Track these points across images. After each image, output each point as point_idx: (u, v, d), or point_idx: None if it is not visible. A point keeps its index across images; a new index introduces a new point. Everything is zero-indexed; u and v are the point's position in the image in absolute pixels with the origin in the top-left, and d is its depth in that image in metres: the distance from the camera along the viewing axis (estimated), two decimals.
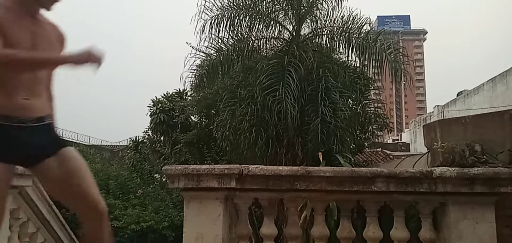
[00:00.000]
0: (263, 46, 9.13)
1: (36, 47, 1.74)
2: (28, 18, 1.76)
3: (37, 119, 1.77)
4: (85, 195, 1.84)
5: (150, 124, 13.58)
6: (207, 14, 8.83)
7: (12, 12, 1.71)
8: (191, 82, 9.73)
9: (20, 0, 1.76)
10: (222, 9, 8.83)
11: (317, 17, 9.05)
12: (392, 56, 8.41)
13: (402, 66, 8.68)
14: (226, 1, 8.88)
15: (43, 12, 1.86)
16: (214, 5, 8.88)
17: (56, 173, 1.79)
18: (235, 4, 8.89)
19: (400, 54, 8.95)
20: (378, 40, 8.48)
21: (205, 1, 8.78)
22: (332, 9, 8.98)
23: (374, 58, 8.43)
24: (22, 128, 1.71)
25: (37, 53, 1.71)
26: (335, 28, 8.94)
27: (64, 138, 1.94)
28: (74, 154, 1.87)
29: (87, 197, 1.84)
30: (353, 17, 8.84)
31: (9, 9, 1.72)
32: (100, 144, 21.83)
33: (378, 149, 15.05)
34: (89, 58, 1.68)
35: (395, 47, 9.06)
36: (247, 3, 8.88)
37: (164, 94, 13.61)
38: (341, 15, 8.92)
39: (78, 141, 19.54)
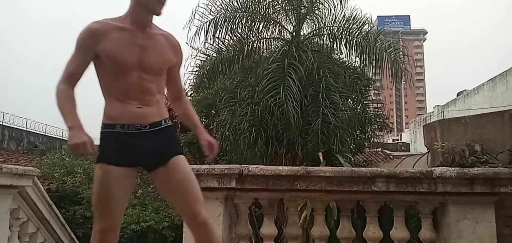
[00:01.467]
0: (263, 46, 9.12)
1: (142, 60, 1.88)
2: (140, 33, 1.91)
3: (151, 125, 1.89)
4: (186, 206, 1.95)
5: None
6: (206, 15, 8.84)
7: (122, 30, 1.88)
8: (191, 83, 9.72)
9: (132, 20, 1.91)
10: (222, 10, 8.82)
11: (317, 17, 9.04)
12: (393, 56, 8.40)
13: (403, 65, 8.67)
14: (226, 2, 8.88)
15: (155, 22, 2.00)
16: (213, 6, 8.88)
17: (166, 181, 1.93)
18: (234, 4, 8.88)
19: (401, 53, 8.94)
20: (379, 40, 8.47)
21: (205, 1, 8.79)
22: (332, 8, 8.97)
23: (374, 57, 8.42)
24: (137, 135, 1.86)
25: (65, 105, 1.85)
26: (336, 28, 8.93)
27: (177, 146, 2.06)
28: (183, 165, 1.96)
29: (187, 208, 1.95)
30: (353, 17, 8.83)
31: (119, 28, 1.88)
32: None
33: (378, 149, 15.06)
34: (77, 148, 1.75)
35: (395, 46, 9.05)
36: (247, 3, 8.87)
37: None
38: (342, 14, 8.91)
39: None
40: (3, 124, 16.46)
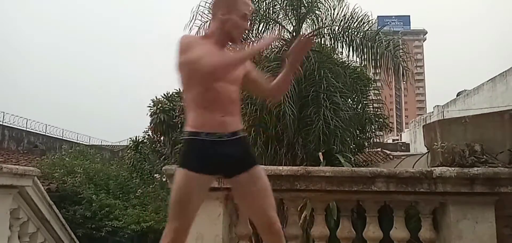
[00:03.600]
0: None
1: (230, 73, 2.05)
2: (221, 50, 2.10)
3: (232, 134, 2.03)
4: (262, 214, 2.06)
5: (150, 124, 13.56)
6: (206, 14, 8.83)
7: (209, 43, 2.06)
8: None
9: (215, 40, 2.09)
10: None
11: (317, 17, 9.04)
12: (393, 53, 8.40)
13: (404, 63, 8.67)
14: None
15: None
16: (209, 11, 8.87)
17: (246, 188, 2.06)
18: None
19: (401, 51, 8.93)
20: (377, 39, 8.47)
21: (205, 1, 8.78)
22: (332, 8, 8.97)
23: (374, 57, 8.43)
24: (220, 142, 1.99)
25: (234, 54, 2.04)
26: (336, 27, 8.93)
27: (254, 155, 2.21)
28: (263, 174, 2.09)
29: (265, 216, 2.05)
30: (353, 16, 8.83)
31: (208, 42, 2.08)
32: (100, 144, 21.78)
33: (378, 149, 15.05)
34: (271, 40, 1.96)
35: (395, 44, 9.04)
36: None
37: (164, 94, 13.61)
38: (342, 13, 8.91)
39: (78, 141, 19.55)
40: (3, 124, 16.47)
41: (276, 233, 2.06)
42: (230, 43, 2.15)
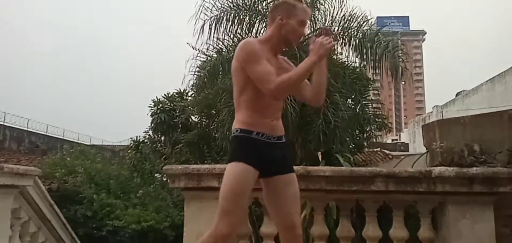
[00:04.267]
0: None
1: None
2: (274, 58, 2.21)
3: (278, 138, 2.18)
4: (288, 218, 2.15)
5: (151, 124, 13.54)
6: (206, 14, 8.85)
7: (267, 52, 2.16)
8: (192, 83, 9.73)
9: (271, 46, 2.20)
10: (221, 10, 8.82)
11: (316, 17, 9.05)
12: (392, 53, 8.42)
13: (403, 64, 8.68)
14: (225, 2, 8.88)
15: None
16: (213, 6, 8.89)
17: (279, 190, 2.15)
18: (234, 4, 8.88)
19: (400, 52, 8.95)
20: (376, 40, 8.48)
21: (204, 1, 8.80)
22: (331, 8, 8.98)
23: (373, 57, 8.44)
24: (269, 144, 2.13)
25: (297, 69, 2.10)
26: (335, 27, 8.94)
27: (292, 162, 2.32)
28: (296, 181, 2.21)
29: (291, 220, 2.15)
30: (352, 16, 8.84)
31: (266, 50, 2.16)
32: (101, 144, 21.76)
33: (377, 149, 15.05)
34: (322, 47, 2.06)
35: (394, 45, 9.06)
36: (247, 3, 8.88)
37: (164, 94, 13.59)
38: (342, 14, 8.92)
39: (79, 141, 19.55)
40: (4, 124, 16.48)
41: (297, 236, 2.16)
42: (285, 48, 2.26)
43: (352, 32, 8.72)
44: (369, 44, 8.34)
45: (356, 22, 8.83)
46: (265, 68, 2.05)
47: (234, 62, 2.18)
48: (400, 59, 8.74)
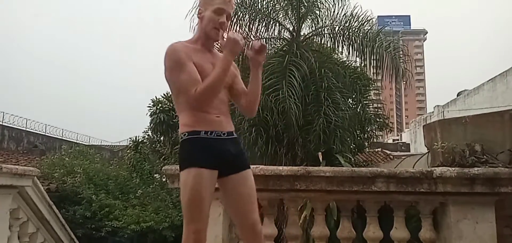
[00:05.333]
0: None
1: None
2: (208, 53, 2.14)
3: (228, 133, 2.09)
4: (246, 216, 2.10)
5: (150, 124, 13.54)
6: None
7: (197, 51, 2.08)
8: None
9: (202, 43, 2.13)
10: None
11: (317, 17, 9.04)
12: (393, 54, 8.41)
13: (403, 65, 8.67)
14: None
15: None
16: None
17: (235, 189, 2.08)
18: (237, 1, 8.86)
19: (401, 53, 8.94)
20: (377, 40, 8.47)
21: None
22: (332, 8, 8.97)
23: (374, 57, 8.43)
24: (220, 140, 2.03)
25: (214, 71, 2.00)
26: (336, 27, 8.93)
27: (246, 157, 2.22)
28: (251, 177, 2.13)
29: (249, 218, 2.09)
30: (353, 16, 8.83)
31: (194, 49, 2.08)
32: (100, 144, 21.75)
33: (378, 149, 15.05)
34: (234, 44, 1.99)
35: (395, 46, 9.05)
36: (246, 1, 8.86)
37: (164, 94, 13.58)
38: (343, 13, 8.91)
39: (78, 141, 19.53)
40: (3, 124, 16.46)
41: (257, 233, 2.11)
42: (213, 41, 2.15)
43: (353, 32, 8.71)
44: (370, 44, 8.33)
45: (357, 22, 8.82)
46: (187, 76, 1.97)
47: (165, 71, 2.07)
48: (401, 60, 8.72)
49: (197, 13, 2.15)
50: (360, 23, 8.79)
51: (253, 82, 2.18)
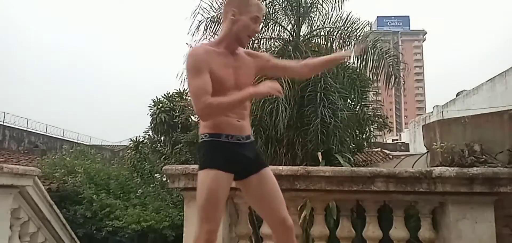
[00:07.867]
0: (262, 46, 9.13)
1: (239, 80, 2.10)
2: (231, 56, 2.13)
3: (247, 137, 2.13)
4: (275, 213, 2.13)
5: (151, 124, 13.56)
6: (203, 15, 8.86)
7: (218, 54, 2.08)
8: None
9: (225, 45, 2.13)
10: (220, 9, 8.82)
11: (316, 19, 9.07)
12: (390, 62, 8.43)
13: (400, 73, 8.72)
14: (225, 1, 8.87)
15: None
16: (211, 6, 8.91)
17: (257, 190, 2.14)
18: None
19: (396, 60, 8.97)
20: (377, 46, 8.50)
21: (202, 1, 8.81)
22: (331, 10, 9.00)
23: (372, 60, 8.46)
24: (239, 145, 2.08)
25: (233, 96, 2.02)
26: (335, 30, 8.95)
27: (264, 157, 2.30)
28: (271, 175, 2.18)
29: (277, 215, 2.13)
30: (351, 19, 8.87)
31: (216, 53, 2.09)
32: (100, 144, 21.78)
33: (377, 149, 15.06)
34: (270, 90, 2.02)
35: (391, 53, 9.05)
36: None
37: (164, 94, 13.61)
38: (341, 16, 8.94)
39: (78, 141, 19.55)
40: (4, 124, 16.46)
41: (289, 228, 2.13)
42: (239, 46, 2.18)
43: (352, 34, 8.73)
44: (368, 48, 8.35)
45: (356, 25, 8.86)
46: (199, 84, 1.97)
47: (186, 74, 2.11)
48: (397, 66, 8.76)
49: (229, 14, 2.12)
50: (358, 27, 8.83)
51: (323, 65, 2.43)
